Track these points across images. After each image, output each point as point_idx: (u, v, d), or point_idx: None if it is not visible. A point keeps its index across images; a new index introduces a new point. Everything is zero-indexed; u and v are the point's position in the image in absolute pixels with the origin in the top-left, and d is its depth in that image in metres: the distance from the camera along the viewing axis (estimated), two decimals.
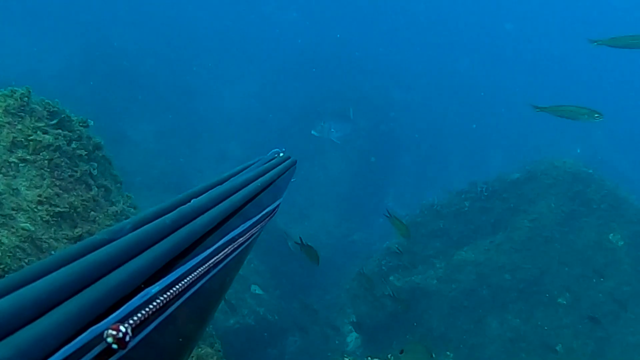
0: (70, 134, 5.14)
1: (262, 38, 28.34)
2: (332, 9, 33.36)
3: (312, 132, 16.10)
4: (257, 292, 12.40)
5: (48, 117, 5.06)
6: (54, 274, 0.91)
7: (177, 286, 1.09)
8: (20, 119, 4.91)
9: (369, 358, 8.95)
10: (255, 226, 1.71)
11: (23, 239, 4.39)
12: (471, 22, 35.79)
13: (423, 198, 13.98)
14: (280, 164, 2.28)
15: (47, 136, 4.91)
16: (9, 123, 4.86)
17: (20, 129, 4.86)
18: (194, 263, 1.21)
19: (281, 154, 2.65)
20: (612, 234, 11.79)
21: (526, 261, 11.82)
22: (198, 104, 22.52)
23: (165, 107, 21.28)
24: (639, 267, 11.62)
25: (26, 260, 4.29)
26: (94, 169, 5.20)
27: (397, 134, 21.81)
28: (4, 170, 4.64)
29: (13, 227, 4.38)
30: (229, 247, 1.43)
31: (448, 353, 11.56)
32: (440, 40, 32.15)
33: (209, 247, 1.31)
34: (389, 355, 9.21)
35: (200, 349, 5.39)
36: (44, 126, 4.95)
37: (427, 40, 31.84)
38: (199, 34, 27.68)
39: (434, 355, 6.32)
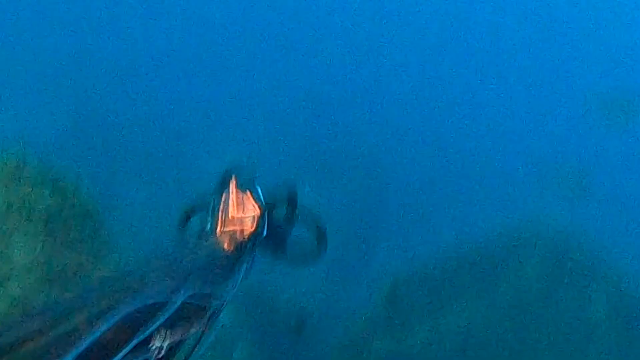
0: (62, 201, 5.22)
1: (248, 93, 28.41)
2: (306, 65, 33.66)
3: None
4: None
5: (41, 183, 5.15)
6: None
7: None
8: (14, 186, 5.00)
9: None
10: None
11: (12, 306, 4.44)
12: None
13: (412, 257, 14.02)
14: None
15: (40, 203, 4.99)
16: (3, 190, 4.95)
17: (16, 195, 4.94)
18: None
19: None
20: (593, 306, 11.85)
21: (511, 330, 11.83)
22: (189, 173, 22.47)
23: (157, 175, 21.27)
24: (621, 336, 11.66)
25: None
26: (85, 235, 5.27)
27: (385, 187, 21.84)
28: None
29: (4, 294, 4.43)
30: None
31: None
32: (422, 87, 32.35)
33: None
34: None
35: None
36: (37, 193, 5.03)
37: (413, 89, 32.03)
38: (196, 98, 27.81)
39: None
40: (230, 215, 2.23)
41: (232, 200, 2.29)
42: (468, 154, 26.44)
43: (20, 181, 5.09)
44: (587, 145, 30.58)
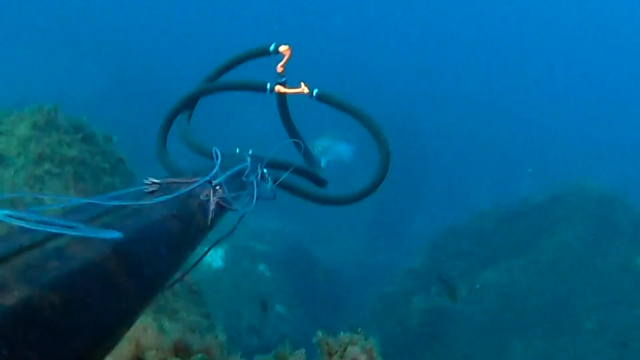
0: (95, 148, 5.30)
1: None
2: (357, 30, 33.58)
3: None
4: (280, 311, 12.46)
5: (73, 131, 5.22)
6: None
7: None
8: (47, 134, 5.07)
9: None
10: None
11: None
12: (506, 43, 35.80)
13: (451, 218, 13.98)
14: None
15: (72, 150, 5.06)
16: (36, 137, 5.02)
17: (47, 143, 5.02)
18: None
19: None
20: (639, 258, 11.68)
21: (551, 284, 11.74)
22: (229, 126, 22.62)
23: (194, 128, 21.43)
24: None
25: None
26: (116, 182, 5.34)
27: (425, 156, 21.82)
28: (30, 182, 4.79)
29: None
30: None
31: None
32: (470, 61, 32.15)
33: None
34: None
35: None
36: (69, 140, 5.10)
37: (457, 62, 31.88)
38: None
39: None
40: None
41: None
42: (506, 119, 26.20)
43: (53, 128, 5.16)
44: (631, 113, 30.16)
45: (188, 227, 1.78)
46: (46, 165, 4.93)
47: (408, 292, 12.44)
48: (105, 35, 26.42)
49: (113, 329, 1.12)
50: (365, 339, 2.77)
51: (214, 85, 3.67)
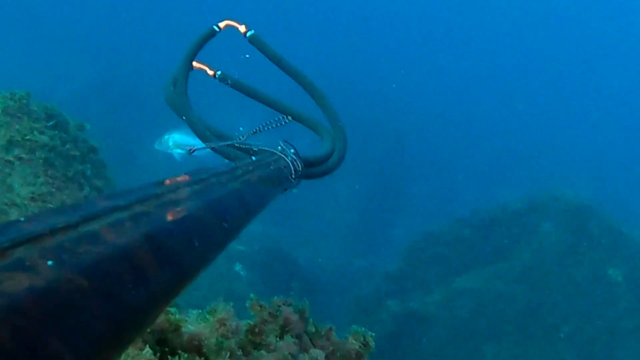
0: (66, 135, 5.33)
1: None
2: (345, 34, 33.72)
3: (155, 145, 15.74)
4: None
5: (45, 118, 5.25)
6: None
7: None
8: (18, 120, 5.11)
9: None
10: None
11: None
12: (490, 50, 36.03)
13: (429, 224, 14.06)
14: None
15: (43, 136, 5.10)
16: (7, 123, 5.05)
17: (17, 129, 5.04)
18: None
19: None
20: (611, 269, 11.80)
21: (525, 292, 11.83)
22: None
23: (162, 119, 21.38)
24: (637, 303, 11.60)
25: None
26: (87, 170, 5.37)
27: (406, 162, 21.93)
28: (0, 167, 4.82)
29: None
30: None
31: None
32: (452, 69, 32.34)
33: None
34: None
35: None
36: (40, 127, 5.13)
37: (440, 70, 32.06)
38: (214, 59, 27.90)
39: None
40: None
41: None
42: (487, 126, 26.42)
43: (25, 114, 5.19)
44: (611, 124, 30.51)
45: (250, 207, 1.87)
46: (16, 151, 4.96)
47: (383, 296, 12.50)
48: (89, 33, 26.37)
49: (138, 319, 1.14)
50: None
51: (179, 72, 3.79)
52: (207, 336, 2.35)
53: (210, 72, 3.95)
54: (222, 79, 3.97)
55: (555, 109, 31.56)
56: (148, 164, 19.34)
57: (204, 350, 2.30)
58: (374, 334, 3.02)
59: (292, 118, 3.81)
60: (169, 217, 1.34)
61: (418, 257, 12.69)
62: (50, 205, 4.89)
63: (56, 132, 5.22)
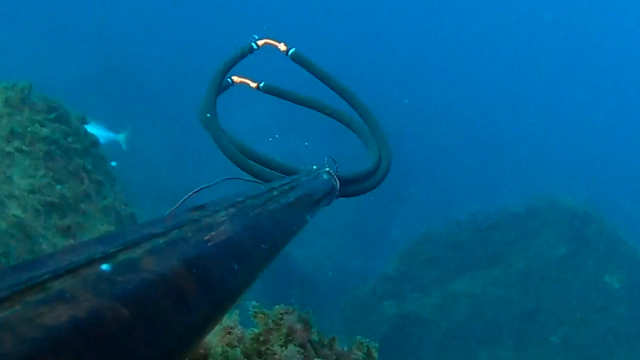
0: (67, 128, 5.27)
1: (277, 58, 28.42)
2: (347, 35, 33.66)
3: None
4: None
5: (47, 110, 5.19)
6: None
7: None
8: (19, 111, 5.04)
9: None
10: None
11: (13, 225, 4.49)
12: (492, 57, 36.04)
13: (428, 226, 14.02)
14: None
15: (44, 129, 5.04)
16: (8, 114, 4.99)
17: (18, 121, 4.99)
18: None
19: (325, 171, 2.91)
20: (608, 276, 11.77)
21: (521, 296, 11.80)
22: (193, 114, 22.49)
23: (176, 122, 21.36)
24: (633, 310, 11.57)
25: (14, 246, 4.38)
26: (87, 164, 5.31)
27: (406, 162, 21.89)
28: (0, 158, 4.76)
29: (4, 213, 4.49)
30: None
31: None
32: (454, 71, 32.31)
33: None
34: None
35: None
36: (42, 119, 5.08)
37: (441, 72, 32.02)
38: (215, 51, 27.82)
39: None
40: None
41: None
42: (488, 129, 26.39)
43: (26, 106, 5.13)
44: (614, 131, 30.54)
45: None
46: (16, 143, 4.90)
47: (379, 297, 12.46)
48: (89, 21, 26.27)
49: (181, 345, 1.11)
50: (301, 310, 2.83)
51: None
52: (214, 345, 2.31)
53: (253, 85, 3.91)
54: (267, 90, 3.95)
55: (554, 113, 31.58)
56: (146, 152, 19.29)
57: (210, 359, 2.26)
58: (377, 345, 2.98)
59: (346, 125, 3.82)
60: (208, 242, 1.34)
61: (415, 258, 12.65)
62: (49, 198, 4.83)
63: (57, 124, 5.16)
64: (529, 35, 38.70)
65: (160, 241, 1.19)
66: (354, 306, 12.69)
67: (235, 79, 3.90)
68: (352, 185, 3.41)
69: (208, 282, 1.25)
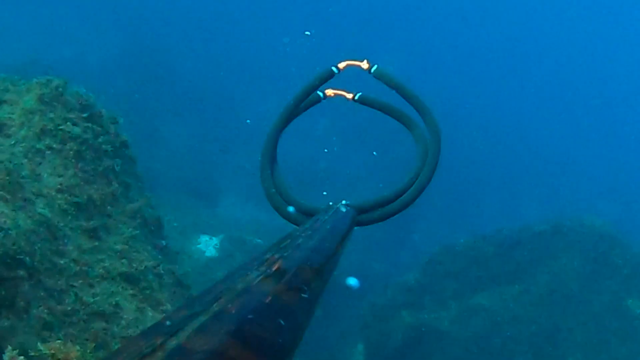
0: (99, 128, 5.29)
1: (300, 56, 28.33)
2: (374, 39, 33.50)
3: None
4: None
5: (80, 109, 5.21)
6: None
7: None
8: (52, 109, 5.06)
9: None
10: None
11: (39, 224, 4.50)
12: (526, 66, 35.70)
13: (451, 237, 13.94)
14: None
15: (76, 128, 5.05)
16: (41, 111, 5.02)
17: (51, 118, 5.00)
18: None
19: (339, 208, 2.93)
20: (630, 300, 11.63)
21: (541, 315, 11.70)
22: (235, 111, 22.55)
23: (202, 110, 21.40)
24: None
25: (39, 245, 4.39)
26: (117, 166, 5.33)
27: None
28: (30, 155, 4.78)
29: (31, 211, 4.50)
30: None
31: None
32: (484, 82, 32.02)
33: None
34: None
35: None
36: (74, 118, 5.09)
37: (473, 82, 31.77)
38: (244, 44, 27.85)
39: None
40: None
41: None
42: (520, 142, 26.17)
43: (59, 104, 5.15)
44: None
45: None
46: (48, 140, 4.92)
47: (398, 306, 12.42)
48: (125, 5, 26.41)
49: None
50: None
51: (280, 117, 3.88)
52: None
53: (349, 96, 4.01)
54: (362, 101, 4.05)
55: (589, 129, 31.21)
56: (170, 139, 19.36)
57: None
58: None
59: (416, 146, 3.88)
60: (246, 308, 1.35)
61: (437, 270, 12.58)
62: (77, 198, 4.84)
63: (89, 124, 5.18)
64: (565, 51, 38.27)
65: (204, 318, 1.21)
66: (372, 313, 12.66)
67: (329, 92, 3.98)
68: (370, 214, 3.45)
69: (259, 345, 1.26)
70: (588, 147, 28.68)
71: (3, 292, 3.89)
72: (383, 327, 12.21)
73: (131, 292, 4.70)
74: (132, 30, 24.57)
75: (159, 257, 5.29)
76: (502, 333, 11.68)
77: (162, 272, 5.07)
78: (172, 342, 1.09)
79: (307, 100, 4.02)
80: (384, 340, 12.06)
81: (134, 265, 4.84)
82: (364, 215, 3.28)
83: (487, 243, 12.66)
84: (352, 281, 11.67)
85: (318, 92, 4.02)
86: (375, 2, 35.72)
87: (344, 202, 2.97)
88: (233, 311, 1.30)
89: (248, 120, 17.18)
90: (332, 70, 3.96)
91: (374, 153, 18.81)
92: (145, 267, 4.89)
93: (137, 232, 5.15)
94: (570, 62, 37.50)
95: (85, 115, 5.17)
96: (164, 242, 5.63)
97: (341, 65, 3.96)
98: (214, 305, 1.32)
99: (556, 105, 33.10)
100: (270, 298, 1.47)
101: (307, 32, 26.59)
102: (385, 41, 32.21)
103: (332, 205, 2.95)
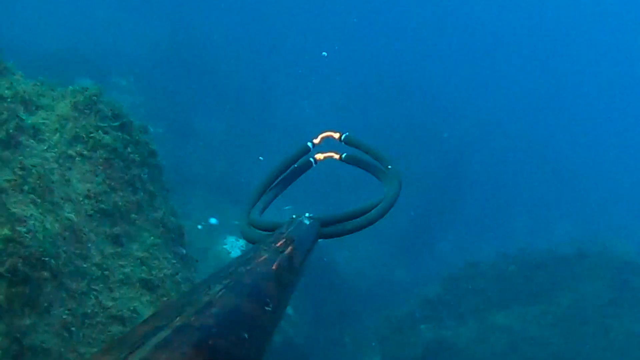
0: (129, 137, 5.46)
1: (339, 59, 28.34)
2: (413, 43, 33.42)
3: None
4: (288, 312, 12.55)
5: (112, 117, 5.39)
6: None
7: None
8: (85, 116, 5.25)
9: None
10: None
11: (65, 228, 4.68)
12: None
13: (478, 249, 13.95)
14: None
15: (107, 136, 5.23)
16: (74, 118, 5.21)
17: (83, 125, 5.19)
18: None
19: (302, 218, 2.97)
20: None
21: (560, 338, 11.68)
22: (272, 110, 22.66)
23: (239, 107, 21.51)
24: None
25: (64, 249, 4.58)
26: (144, 174, 5.50)
27: (465, 179, 21.73)
28: (61, 160, 4.97)
29: (58, 215, 4.69)
30: None
31: None
32: (521, 99, 31.78)
33: None
34: None
35: None
36: (106, 126, 5.27)
37: (513, 91, 31.55)
38: (284, 43, 27.97)
39: None
40: None
41: None
42: (542, 165, 25.94)
43: (92, 112, 5.34)
44: None
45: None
46: (79, 147, 5.10)
47: (417, 320, 12.49)
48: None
49: None
50: None
51: (263, 182, 4.02)
52: None
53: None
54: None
55: (628, 149, 30.85)
56: (205, 132, 19.51)
57: None
58: None
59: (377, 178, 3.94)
60: (209, 321, 1.39)
61: (458, 286, 12.62)
62: (103, 205, 5.03)
63: (120, 133, 5.35)
64: (610, 70, 37.82)
65: (166, 333, 1.25)
66: (391, 323, 12.74)
67: (319, 156, 4.12)
68: (334, 226, 3.47)
69: (223, 358, 1.29)
70: (623, 166, 28.38)
71: (27, 292, 4.04)
72: (401, 339, 12.28)
73: (149, 298, 4.87)
74: (174, 21, 24.81)
75: (178, 265, 5.45)
76: (519, 353, 11.68)
77: (179, 280, 5.23)
78: (135, 357, 1.12)
79: (297, 168, 4.15)
80: (401, 354, 12.13)
81: (153, 272, 5.01)
82: (326, 228, 3.32)
83: (511, 262, 12.67)
84: (213, 220, 13.00)
85: (310, 158, 4.14)
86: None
87: (307, 214, 3.04)
88: (196, 324, 1.33)
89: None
90: (307, 145, 4.10)
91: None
92: (164, 274, 5.06)
93: (159, 240, 5.32)
94: (614, 82, 37.11)
95: (116, 124, 5.35)
96: (184, 251, 5.78)
97: (316, 139, 4.09)
98: (177, 318, 1.35)
99: (598, 125, 32.77)
100: (233, 311, 1.50)
101: (324, 53, 26.85)
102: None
103: (295, 218, 3.00)
